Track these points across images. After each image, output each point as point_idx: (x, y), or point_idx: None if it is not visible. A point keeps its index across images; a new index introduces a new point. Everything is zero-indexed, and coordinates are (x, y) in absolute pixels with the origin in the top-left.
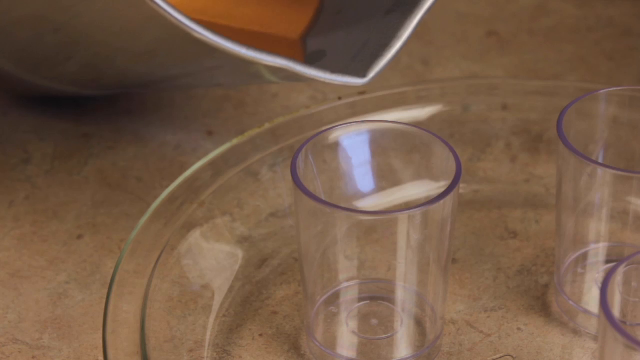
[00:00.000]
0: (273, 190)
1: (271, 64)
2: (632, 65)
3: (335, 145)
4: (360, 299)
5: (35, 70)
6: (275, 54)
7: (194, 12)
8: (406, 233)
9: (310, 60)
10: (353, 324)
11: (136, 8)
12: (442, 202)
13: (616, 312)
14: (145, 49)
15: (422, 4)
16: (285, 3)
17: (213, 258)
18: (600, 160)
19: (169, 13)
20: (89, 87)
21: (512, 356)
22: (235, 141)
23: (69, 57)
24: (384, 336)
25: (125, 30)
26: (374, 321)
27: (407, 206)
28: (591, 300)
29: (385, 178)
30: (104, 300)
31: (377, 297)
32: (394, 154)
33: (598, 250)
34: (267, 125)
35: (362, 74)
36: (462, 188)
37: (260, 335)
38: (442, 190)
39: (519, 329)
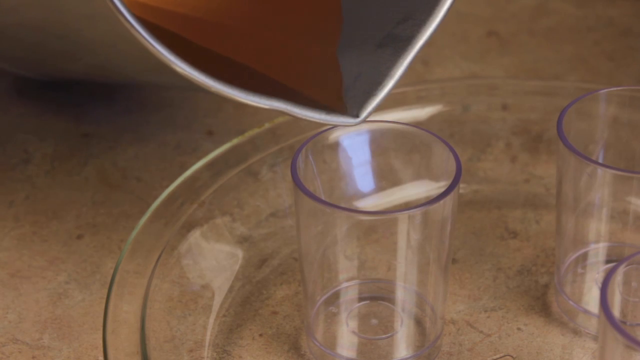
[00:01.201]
0: (273, 190)
1: (267, 107)
2: (632, 65)
3: (335, 145)
4: (360, 299)
5: (42, 64)
6: (271, 97)
7: (225, 15)
8: (406, 233)
9: None
10: (353, 324)
11: (133, 44)
12: (442, 202)
13: (616, 312)
14: (151, 66)
15: (415, 43)
16: (312, 13)
17: (213, 258)
18: (600, 160)
19: (160, 52)
20: (94, 83)
21: (512, 356)
22: (235, 141)
23: (78, 59)
24: (384, 336)
25: (128, 54)
26: (374, 321)
27: (407, 206)
28: (591, 300)
29: (385, 178)
30: (104, 300)
31: (377, 297)
32: (394, 154)
33: (598, 250)
34: (267, 125)
35: (355, 113)
36: (462, 188)
37: (260, 335)
38: (442, 190)
39: (519, 329)
